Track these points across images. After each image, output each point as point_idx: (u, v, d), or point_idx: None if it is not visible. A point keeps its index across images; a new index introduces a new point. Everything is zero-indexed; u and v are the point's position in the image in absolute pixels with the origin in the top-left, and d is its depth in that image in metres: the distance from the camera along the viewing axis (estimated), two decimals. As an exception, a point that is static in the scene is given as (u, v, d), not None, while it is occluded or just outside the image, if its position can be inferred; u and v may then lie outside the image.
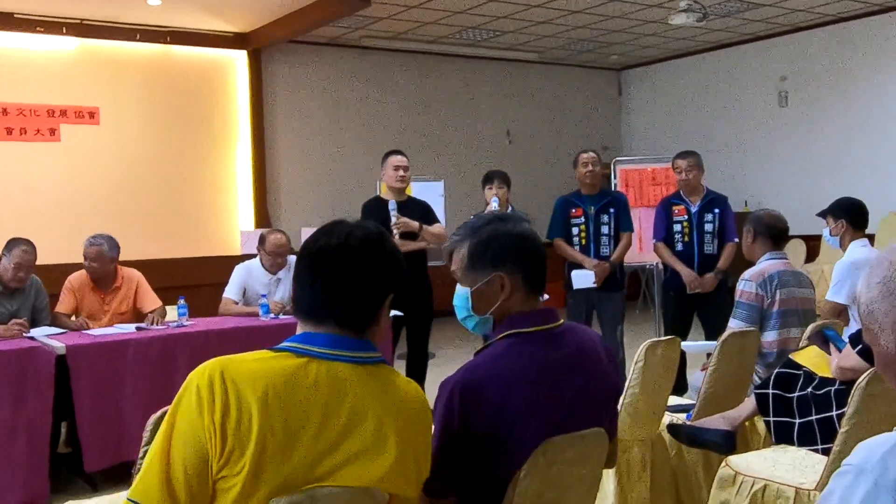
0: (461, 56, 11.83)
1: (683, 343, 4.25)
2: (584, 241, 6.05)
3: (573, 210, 6.10)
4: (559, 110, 12.98)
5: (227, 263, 6.54)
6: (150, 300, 5.54)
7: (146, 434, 2.18)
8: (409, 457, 1.73)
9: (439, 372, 3.80)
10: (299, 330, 1.77)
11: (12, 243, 5.13)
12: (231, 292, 5.72)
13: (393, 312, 5.17)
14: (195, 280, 8.24)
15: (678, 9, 8.85)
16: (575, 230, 6.08)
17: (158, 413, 2.14)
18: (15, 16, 8.64)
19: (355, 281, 1.73)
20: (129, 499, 1.57)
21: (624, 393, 3.46)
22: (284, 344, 1.71)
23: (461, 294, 2.12)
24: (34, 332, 4.96)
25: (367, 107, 11.29)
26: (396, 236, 5.57)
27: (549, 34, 11.05)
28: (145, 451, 2.10)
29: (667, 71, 12.95)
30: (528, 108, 12.68)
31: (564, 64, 12.96)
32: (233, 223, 10.18)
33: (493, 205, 5.83)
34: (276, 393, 1.60)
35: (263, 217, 10.25)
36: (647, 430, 3.65)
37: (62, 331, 5.11)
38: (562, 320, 2.13)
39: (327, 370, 1.67)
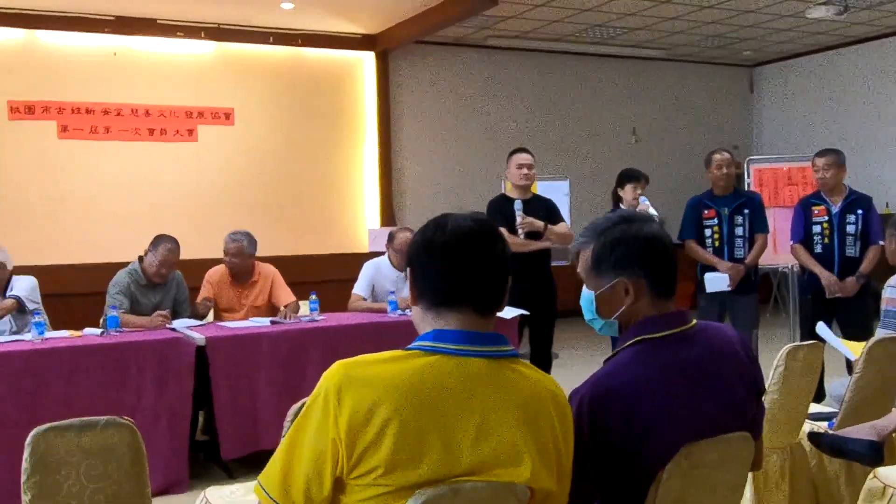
0: (585, 54, 11.72)
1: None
2: (717, 243, 5.89)
3: (706, 211, 5.95)
4: (687, 108, 12.69)
5: (354, 260, 6.69)
6: (285, 295, 5.71)
7: (287, 424, 2.23)
8: (549, 450, 1.71)
9: (563, 373, 3.76)
10: (421, 325, 1.77)
11: (158, 241, 5.36)
12: (360, 288, 5.83)
13: (519, 311, 5.21)
14: (324, 276, 8.44)
15: (817, 2, 8.51)
16: (707, 231, 5.93)
17: (298, 404, 2.18)
18: (157, 21, 9.05)
19: (489, 261, 1.75)
20: (258, 478, 1.67)
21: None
22: (416, 343, 1.71)
23: (587, 296, 2.07)
24: (175, 323, 5.18)
25: (491, 106, 11.31)
26: (521, 236, 5.56)
27: (678, 30, 10.80)
28: (286, 442, 2.17)
29: (802, 67, 12.47)
30: (654, 106, 12.45)
31: (693, 61, 12.66)
32: (360, 221, 10.38)
33: (643, 204, 5.72)
34: (406, 394, 1.59)
35: (389, 215, 10.41)
36: (786, 437, 3.52)
37: (202, 322, 5.32)
38: (694, 321, 2.07)
39: (459, 367, 1.66)
